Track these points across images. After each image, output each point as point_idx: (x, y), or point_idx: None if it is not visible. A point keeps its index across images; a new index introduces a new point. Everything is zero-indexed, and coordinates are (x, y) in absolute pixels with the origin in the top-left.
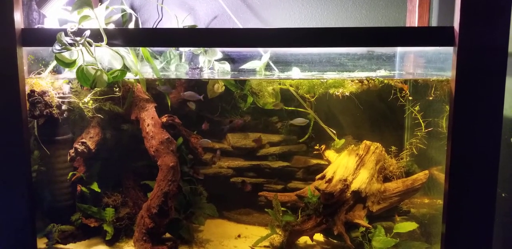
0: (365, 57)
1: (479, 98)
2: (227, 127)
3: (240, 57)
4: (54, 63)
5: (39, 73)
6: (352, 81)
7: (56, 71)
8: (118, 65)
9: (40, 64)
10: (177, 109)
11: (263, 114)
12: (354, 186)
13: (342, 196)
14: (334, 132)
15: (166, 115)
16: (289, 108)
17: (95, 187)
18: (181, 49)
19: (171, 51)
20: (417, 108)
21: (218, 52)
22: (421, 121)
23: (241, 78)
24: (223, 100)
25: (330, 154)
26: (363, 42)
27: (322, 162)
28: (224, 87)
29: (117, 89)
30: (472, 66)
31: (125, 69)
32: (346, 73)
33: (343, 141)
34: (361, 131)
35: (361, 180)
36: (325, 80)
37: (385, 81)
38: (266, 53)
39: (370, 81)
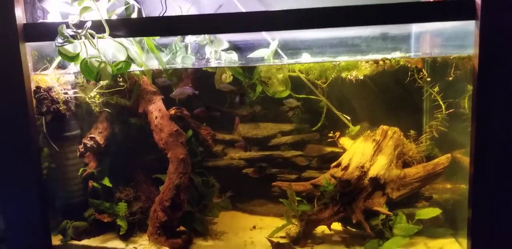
0: (379, 38)
1: (505, 75)
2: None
3: (247, 46)
4: (59, 58)
5: (44, 70)
6: (366, 62)
7: (61, 67)
8: (122, 57)
9: (45, 60)
10: (185, 103)
11: (274, 103)
12: (372, 172)
13: (360, 183)
14: (349, 118)
15: (174, 107)
16: (300, 95)
17: (106, 182)
18: (187, 40)
19: (176, 43)
20: (436, 89)
21: (224, 41)
22: (441, 102)
23: (249, 65)
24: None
25: (345, 141)
26: (379, 20)
27: (336, 150)
28: (232, 77)
29: (121, 80)
30: (496, 40)
31: (130, 60)
32: (359, 57)
33: (358, 127)
34: (377, 116)
35: (379, 166)
36: (338, 63)
37: (401, 62)
38: (274, 41)
39: (386, 61)
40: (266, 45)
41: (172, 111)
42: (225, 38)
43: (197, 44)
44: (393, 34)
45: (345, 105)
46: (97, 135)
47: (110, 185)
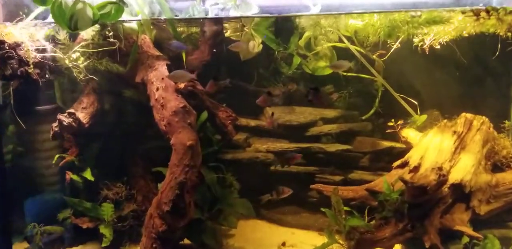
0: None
1: None
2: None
3: (281, 12)
4: (39, 9)
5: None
6: (463, 13)
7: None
8: None
9: (21, 12)
10: (200, 73)
11: (313, 82)
12: (454, 177)
13: (437, 191)
14: (416, 103)
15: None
16: (349, 74)
17: (88, 175)
18: (207, 4)
19: (194, 6)
20: None
21: (253, 5)
22: None
23: (284, 14)
24: (259, 64)
25: (409, 133)
26: None
27: (397, 145)
28: (261, 46)
29: (111, 35)
30: None
31: (121, 2)
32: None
33: (424, 116)
34: (454, 102)
35: (463, 169)
36: (418, 14)
37: None
38: (316, 5)
39: (491, 12)
40: (305, 11)
41: (182, 84)
42: (254, 2)
43: (219, 9)
44: None
45: (408, 86)
46: (80, 111)
47: (92, 179)
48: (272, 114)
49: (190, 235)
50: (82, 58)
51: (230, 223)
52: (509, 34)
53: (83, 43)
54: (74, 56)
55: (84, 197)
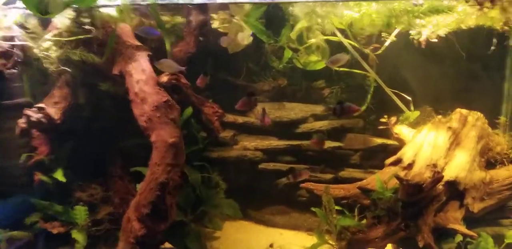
0: None
1: None
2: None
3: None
4: None
5: None
6: (466, 1)
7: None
8: None
9: None
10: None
11: (304, 77)
12: (449, 174)
13: (433, 189)
14: (410, 99)
15: (166, 72)
16: (341, 69)
17: (59, 175)
18: None
19: None
20: None
21: None
22: None
23: (277, 1)
24: (248, 57)
25: (402, 130)
26: None
27: (389, 142)
28: (251, 38)
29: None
30: None
31: None
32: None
33: (417, 113)
34: (447, 97)
35: (458, 166)
36: (420, 3)
37: None
38: None
39: (496, 1)
40: None
41: (165, 78)
42: None
43: None
44: None
45: (401, 81)
46: (51, 106)
47: (64, 180)
48: (264, 110)
49: (171, 238)
50: (54, 48)
51: (215, 225)
52: (505, 27)
53: (55, 31)
54: (45, 45)
55: (55, 199)
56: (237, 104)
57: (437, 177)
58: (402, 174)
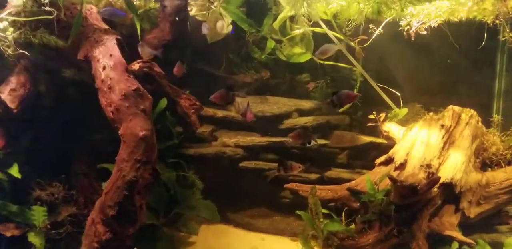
0: None
1: None
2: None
3: None
4: None
5: None
6: None
7: None
8: None
9: None
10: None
11: (288, 69)
12: (444, 175)
13: (429, 191)
14: (398, 94)
15: (139, 60)
16: (327, 62)
17: (14, 171)
18: None
19: None
20: None
21: None
22: None
23: None
24: (228, 47)
25: (391, 127)
26: None
27: (378, 140)
28: (231, 26)
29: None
30: None
31: None
32: None
33: (405, 110)
34: (436, 93)
35: (453, 166)
36: None
37: None
38: None
39: None
40: None
41: (136, 65)
42: None
43: None
44: None
45: (389, 76)
46: (8, 93)
47: (19, 176)
48: (247, 104)
49: (141, 244)
50: (11, 29)
51: (190, 229)
52: (497, 21)
53: (12, 10)
54: (1, 25)
55: (9, 198)
56: (213, 95)
57: (434, 179)
58: (394, 174)
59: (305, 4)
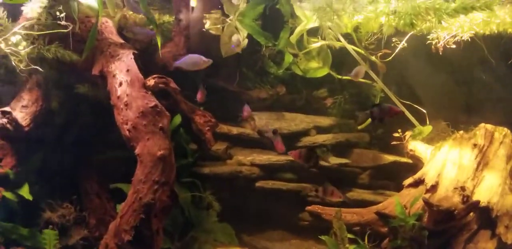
0: None
1: None
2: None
3: None
4: None
5: None
6: None
7: None
8: None
9: None
10: (173, 70)
11: (304, 85)
12: (480, 198)
13: (466, 216)
14: (424, 112)
15: (154, 75)
16: (345, 77)
17: (25, 192)
18: None
19: None
20: None
21: None
22: None
23: None
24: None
25: (416, 146)
26: None
27: (403, 159)
28: (247, 40)
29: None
30: None
31: None
32: None
33: (430, 128)
34: (463, 110)
35: (489, 189)
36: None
37: None
38: None
39: None
40: None
41: (151, 81)
42: None
43: None
44: None
45: (411, 92)
46: (19, 110)
47: (30, 198)
48: (276, 132)
49: None
50: (24, 43)
51: None
52: None
53: (26, 23)
54: (14, 39)
55: (19, 221)
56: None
57: (473, 203)
58: (428, 196)
59: (335, 17)
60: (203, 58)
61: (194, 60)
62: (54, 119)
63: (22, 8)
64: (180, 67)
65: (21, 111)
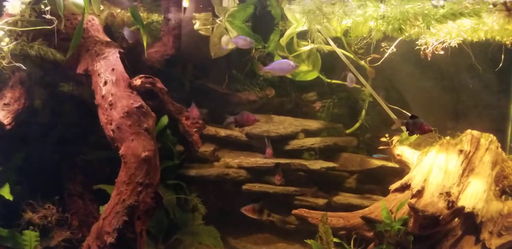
0: None
1: None
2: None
3: None
4: None
5: None
6: (494, 5)
7: None
8: None
9: None
10: (161, 71)
11: (294, 88)
12: (466, 204)
13: (452, 221)
14: (409, 115)
15: (141, 75)
16: (333, 81)
17: (5, 192)
18: None
19: None
20: None
21: None
22: None
23: None
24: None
25: (403, 151)
26: None
27: (390, 164)
28: None
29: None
30: None
31: None
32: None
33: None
34: (449, 116)
35: (474, 195)
36: (441, 4)
37: None
38: None
39: None
40: None
41: (138, 81)
42: None
43: None
44: None
45: (399, 97)
46: (1, 108)
47: (11, 198)
48: (268, 140)
49: None
50: (6, 40)
51: None
52: None
53: (8, 19)
54: None
55: None
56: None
57: (458, 209)
58: (413, 201)
59: (325, 20)
60: (291, 63)
61: (282, 66)
62: (37, 117)
63: (5, 3)
64: (269, 72)
65: (3, 109)
